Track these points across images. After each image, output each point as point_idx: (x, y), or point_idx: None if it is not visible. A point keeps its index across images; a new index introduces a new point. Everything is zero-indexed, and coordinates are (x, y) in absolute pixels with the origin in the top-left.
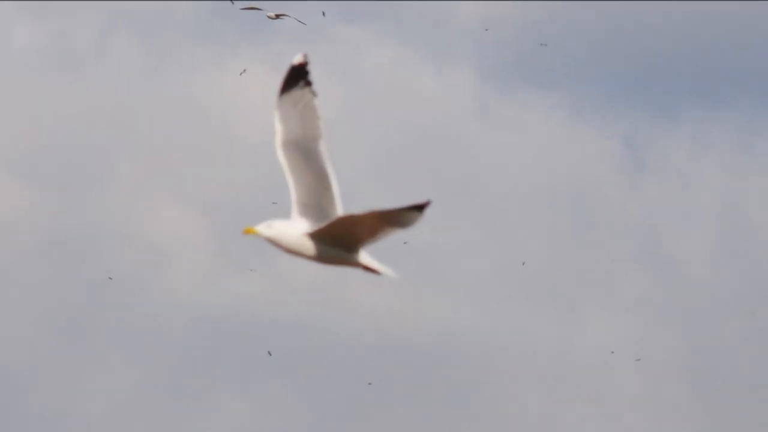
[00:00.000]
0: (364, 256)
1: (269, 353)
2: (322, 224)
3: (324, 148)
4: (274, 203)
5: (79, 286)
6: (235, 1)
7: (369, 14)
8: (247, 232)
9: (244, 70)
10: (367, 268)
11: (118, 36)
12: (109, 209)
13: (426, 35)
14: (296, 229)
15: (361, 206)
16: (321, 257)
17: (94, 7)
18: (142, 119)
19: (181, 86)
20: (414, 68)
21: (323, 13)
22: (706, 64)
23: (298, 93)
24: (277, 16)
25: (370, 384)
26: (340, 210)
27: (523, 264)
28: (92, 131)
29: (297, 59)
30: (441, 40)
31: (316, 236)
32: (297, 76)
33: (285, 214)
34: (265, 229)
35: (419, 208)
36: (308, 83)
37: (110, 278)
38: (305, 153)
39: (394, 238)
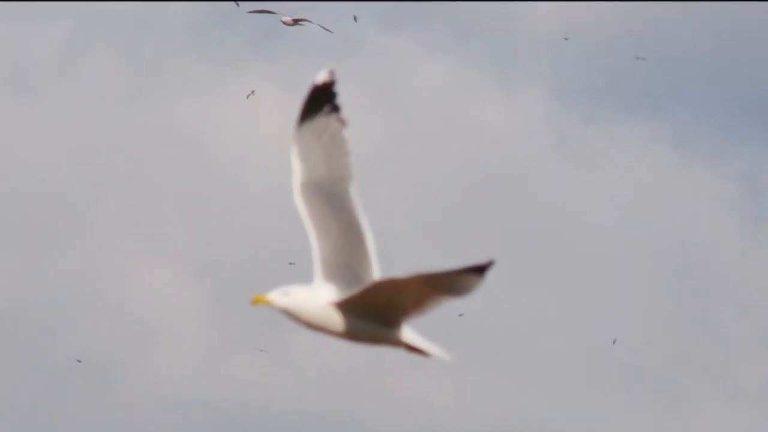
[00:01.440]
0: (408, 332)
1: None
2: (354, 291)
3: (355, 192)
4: (290, 264)
5: (41, 371)
6: (240, 2)
7: (415, 18)
8: (257, 301)
9: (252, 92)
10: (411, 348)
11: (90, 48)
12: (79, 273)
13: (490, 45)
14: (320, 297)
15: (403, 267)
16: (352, 333)
17: (58, 9)
18: (120, 157)
19: (170, 113)
20: (474, 89)
21: (354, 18)
22: None
23: (322, 121)
24: (295, 22)
25: None
26: (376, 272)
27: (614, 342)
28: (57, 173)
29: (321, 77)
30: (509, 52)
31: (345, 306)
32: (321, 100)
33: (305, 279)
34: (279, 297)
35: (479, 270)
36: (335, 108)
37: (79, 361)
38: (331, 198)
39: (446, 309)
